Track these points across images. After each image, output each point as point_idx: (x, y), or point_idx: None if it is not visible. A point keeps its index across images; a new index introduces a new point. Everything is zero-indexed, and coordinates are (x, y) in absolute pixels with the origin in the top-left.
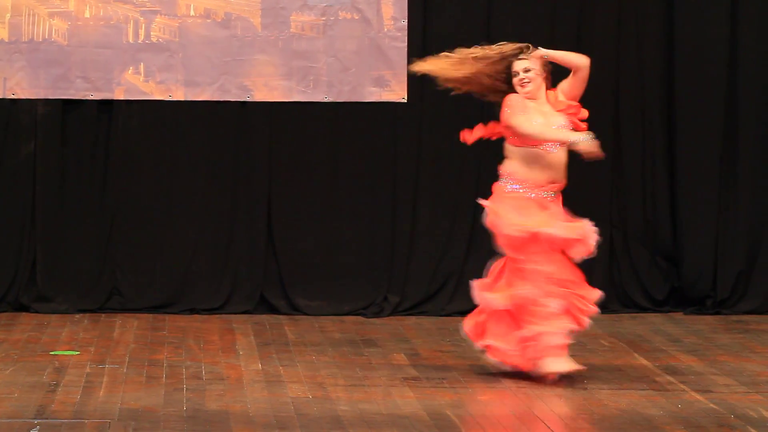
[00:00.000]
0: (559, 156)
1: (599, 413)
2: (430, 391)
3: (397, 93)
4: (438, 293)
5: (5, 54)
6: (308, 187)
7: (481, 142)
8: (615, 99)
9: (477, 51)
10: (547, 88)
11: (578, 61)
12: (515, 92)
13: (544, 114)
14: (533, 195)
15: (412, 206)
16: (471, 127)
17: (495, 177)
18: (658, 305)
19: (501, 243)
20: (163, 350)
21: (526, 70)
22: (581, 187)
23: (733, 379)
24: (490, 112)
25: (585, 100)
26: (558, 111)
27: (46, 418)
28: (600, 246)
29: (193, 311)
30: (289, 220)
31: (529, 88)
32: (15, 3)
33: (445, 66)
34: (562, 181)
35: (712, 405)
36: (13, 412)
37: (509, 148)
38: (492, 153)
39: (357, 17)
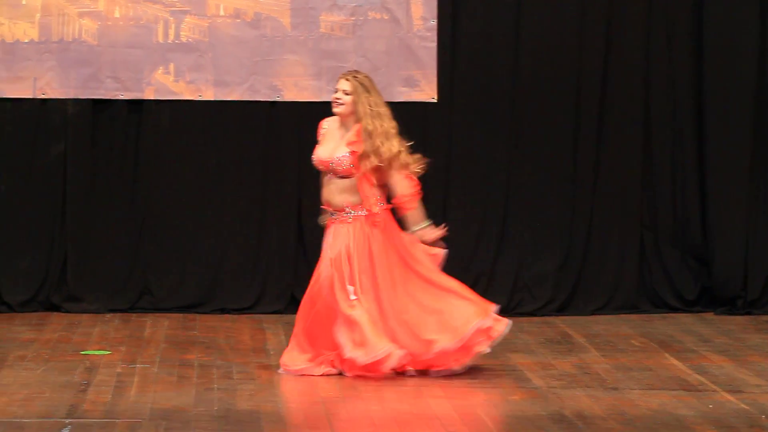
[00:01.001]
0: (335, 183)
1: (630, 413)
2: (461, 391)
3: (427, 93)
4: None
5: (35, 54)
6: None
7: (511, 142)
8: (645, 100)
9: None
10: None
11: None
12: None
13: (337, 141)
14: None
15: (442, 206)
16: (500, 126)
17: (526, 177)
18: (688, 305)
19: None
20: (194, 350)
21: (345, 93)
22: (612, 188)
23: (764, 379)
24: (520, 111)
25: (616, 102)
26: (347, 143)
27: (78, 418)
28: (631, 247)
29: (223, 311)
30: (316, 220)
31: (339, 109)
32: (45, 3)
33: None
34: (337, 206)
35: (743, 405)
36: (44, 411)
37: None
38: (522, 153)
39: (386, 17)
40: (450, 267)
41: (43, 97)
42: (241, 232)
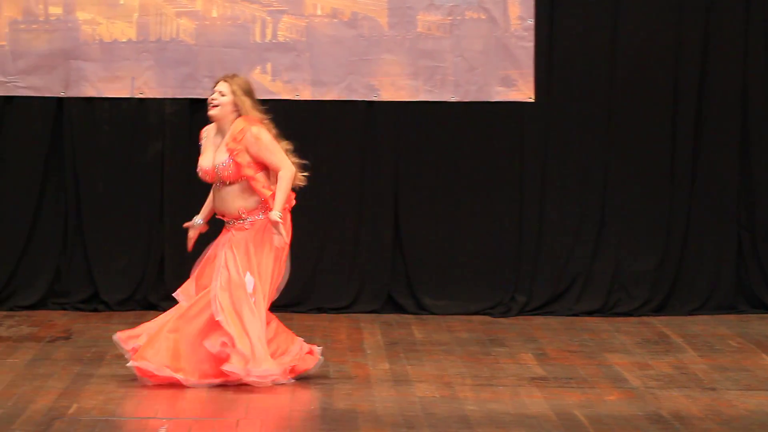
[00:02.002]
0: (225, 191)
1: (727, 414)
2: (557, 391)
3: (524, 93)
4: (565, 293)
5: (133, 53)
6: (435, 187)
7: (608, 141)
8: (743, 100)
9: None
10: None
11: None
12: None
13: (216, 148)
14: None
15: (539, 206)
16: (597, 126)
17: (623, 177)
18: None
19: None
20: None
21: (221, 94)
22: (709, 187)
23: None
24: (617, 111)
25: (714, 101)
26: (227, 147)
27: (174, 417)
28: (728, 246)
29: (320, 310)
30: (415, 220)
31: (214, 111)
32: (143, 3)
33: None
34: (232, 214)
35: None
36: (141, 410)
37: None
38: (619, 153)
39: (484, 17)
40: (547, 268)
41: (140, 96)
42: (338, 232)
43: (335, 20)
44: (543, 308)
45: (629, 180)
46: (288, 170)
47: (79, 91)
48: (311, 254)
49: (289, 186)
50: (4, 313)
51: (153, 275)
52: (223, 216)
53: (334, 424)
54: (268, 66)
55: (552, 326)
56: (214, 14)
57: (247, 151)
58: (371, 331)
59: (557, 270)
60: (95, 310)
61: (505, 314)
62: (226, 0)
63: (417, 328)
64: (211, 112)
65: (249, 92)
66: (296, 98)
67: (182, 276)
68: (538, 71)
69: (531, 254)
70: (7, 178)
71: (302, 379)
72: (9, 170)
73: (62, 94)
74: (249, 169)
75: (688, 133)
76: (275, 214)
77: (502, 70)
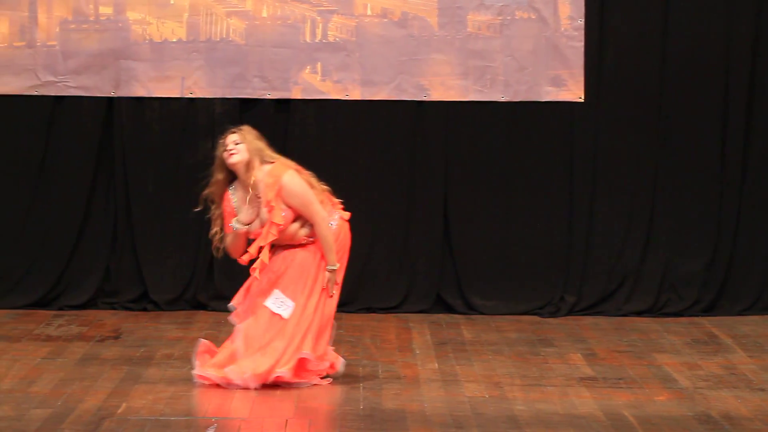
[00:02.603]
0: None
1: None
2: (606, 391)
3: (574, 92)
4: (615, 293)
5: (183, 53)
6: (484, 187)
7: (658, 141)
8: None
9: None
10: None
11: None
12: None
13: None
14: None
15: (589, 206)
16: (647, 125)
17: (672, 176)
18: None
19: None
20: (340, 349)
21: (236, 143)
22: (760, 187)
23: None
24: (667, 110)
25: (765, 99)
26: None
27: (223, 416)
28: None
29: (369, 310)
30: (465, 220)
31: (235, 159)
32: (193, 2)
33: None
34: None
35: None
36: (190, 409)
37: None
38: (669, 152)
39: (534, 16)
40: (596, 268)
41: (190, 96)
42: (387, 231)
43: (385, 20)
44: (592, 308)
45: (679, 180)
46: (322, 226)
47: (129, 90)
48: (361, 254)
49: (330, 238)
50: (54, 312)
51: (202, 275)
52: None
53: (382, 424)
54: (318, 66)
55: (601, 326)
56: (264, 14)
57: (284, 202)
58: (420, 330)
59: (607, 270)
60: (144, 310)
61: (554, 314)
62: (277, 0)
63: (466, 328)
64: (232, 160)
65: (260, 137)
66: (346, 98)
67: (232, 276)
68: (588, 71)
69: (580, 254)
70: (57, 178)
71: (349, 380)
72: (59, 170)
73: (112, 94)
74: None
75: (738, 132)
76: (332, 267)
77: (552, 70)
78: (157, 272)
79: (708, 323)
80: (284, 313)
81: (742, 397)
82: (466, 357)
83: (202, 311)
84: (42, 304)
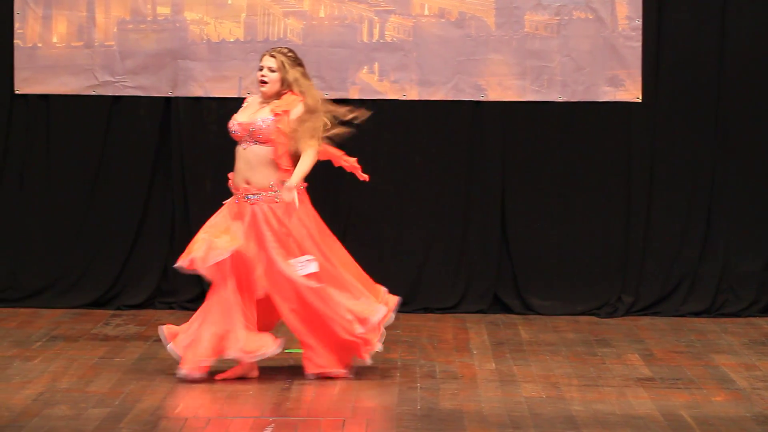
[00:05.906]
0: (253, 151)
1: None
2: (664, 392)
3: (632, 93)
4: (672, 294)
5: (241, 53)
6: (542, 187)
7: (716, 141)
8: None
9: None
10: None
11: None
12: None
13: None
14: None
15: (647, 206)
16: (705, 125)
17: (730, 177)
18: None
19: None
20: (397, 349)
21: (270, 69)
22: None
23: None
24: (725, 111)
25: None
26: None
27: (281, 416)
28: None
29: (426, 310)
30: (522, 220)
31: (265, 88)
32: (250, 3)
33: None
34: (260, 184)
35: None
36: (248, 409)
37: None
38: (727, 152)
39: (591, 17)
40: (653, 268)
41: (248, 96)
42: (444, 231)
43: (442, 20)
44: (650, 309)
45: (737, 180)
46: (312, 156)
47: (186, 90)
48: (418, 254)
49: (309, 168)
50: (111, 312)
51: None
52: (248, 184)
53: (440, 423)
54: (375, 66)
55: (658, 327)
56: (322, 14)
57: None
58: (477, 331)
59: (664, 270)
60: None
61: (611, 315)
62: (334, 0)
63: (523, 328)
64: (262, 89)
65: (297, 61)
66: (403, 98)
67: None
68: (646, 71)
69: (638, 255)
70: (114, 178)
71: (406, 380)
72: (117, 170)
73: (170, 94)
74: (282, 146)
75: None
76: (290, 184)
77: (610, 70)
78: None
79: (766, 324)
80: (313, 266)
81: None
82: (523, 357)
83: None
84: (100, 303)
